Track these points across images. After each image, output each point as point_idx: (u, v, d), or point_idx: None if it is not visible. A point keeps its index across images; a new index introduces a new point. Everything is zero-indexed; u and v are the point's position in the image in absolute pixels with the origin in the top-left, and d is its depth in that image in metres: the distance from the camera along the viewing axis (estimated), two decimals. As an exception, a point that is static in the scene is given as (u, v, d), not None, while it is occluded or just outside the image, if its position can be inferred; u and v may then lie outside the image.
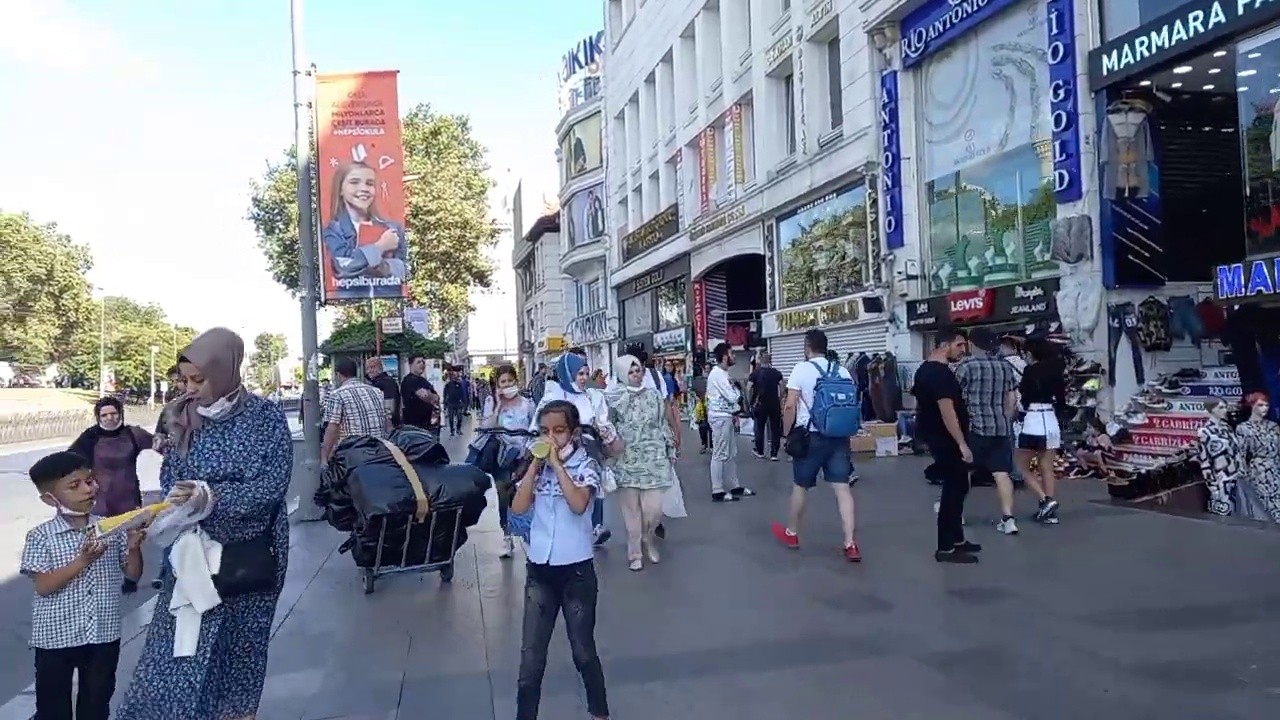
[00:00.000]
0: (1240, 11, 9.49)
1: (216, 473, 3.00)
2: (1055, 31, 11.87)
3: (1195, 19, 10.01)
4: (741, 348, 21.97)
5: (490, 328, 56.43)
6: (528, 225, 49.38)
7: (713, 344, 21.63)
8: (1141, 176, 10.96)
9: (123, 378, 76.82)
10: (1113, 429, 10.83)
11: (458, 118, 40.32)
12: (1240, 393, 9.44)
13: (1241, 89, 10.07)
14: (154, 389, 67.98)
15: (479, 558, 7.22)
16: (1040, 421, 8.08)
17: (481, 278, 41.49)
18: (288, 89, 9.54)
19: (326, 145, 9.94)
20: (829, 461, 6.76)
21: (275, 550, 3.17)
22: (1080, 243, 11.31)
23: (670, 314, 29.48)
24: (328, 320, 39.28)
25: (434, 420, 14.09)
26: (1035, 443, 8.15)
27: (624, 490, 6.55)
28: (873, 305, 16.13)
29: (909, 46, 15.27)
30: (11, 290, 63.27)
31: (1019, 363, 8.83)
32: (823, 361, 6.86)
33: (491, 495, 6.58)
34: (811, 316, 18.72)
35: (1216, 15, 9.77)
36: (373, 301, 18.62)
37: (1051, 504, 7.81)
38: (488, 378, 33.13)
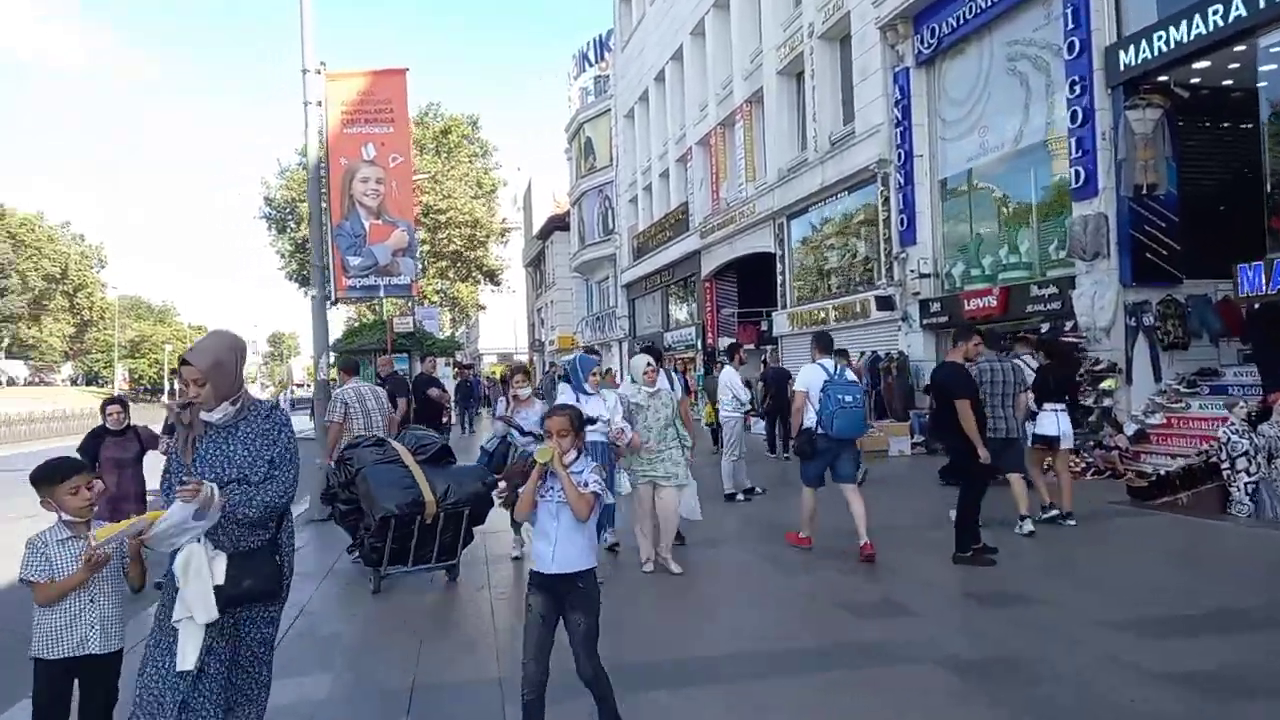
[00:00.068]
0: (1262, 5, 9.33)
1: (220, 479, 2.91)
2: (1071, 26, 11.72)
3: (1215, 13, 9.86)
4: (752, 346, 21.88)
5: (501, 326, 56.47)
6: (538, 224, 49.38)
7: (723, 343, 21.57)
8: (1160, 173, 10.81)
9: (136, 376, 77.29)
10: (1130, 429, 10.70)
11: (468, 117, 40.32)
12: (1260, 392, 9.29)
13: (1262, 84, 9.91)
14: (167, 387, 68.35)
15: (489, 559, 7.18)
16: (1054, 421, 7.98)
17: (492, 276, 41.49)
18: (294, 88, 9.58)
19: (336, 144, 9.92)
20: (836, 463, 6.82)
21: (281, 559, 3.09)
22: (1097, 240, 11.17)
23: (680, 313, 29.39)
24: (340, 319, 39.37)
25: (445, 419, 14.07)
26: (1048, 442, 8.04)
27: (638, 489, 6.43)
28: (885, 304, 16.01)
29: (921, 43, 15.13)
30: (27, 289, 63.71)
31: (1030, 364, 8.72)
32: (829, 363, 6.90)
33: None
34: (823, 315, 18.60)
35: (1237, 9, 9.61)
36: (384, 300, 18.60)
37: (1054, 512, 7.71)
38: (499, 376, 33.15)
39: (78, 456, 3.20)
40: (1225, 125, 12.23)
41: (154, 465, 5.62)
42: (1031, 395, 7.97)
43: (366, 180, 9.92)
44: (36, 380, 71.69)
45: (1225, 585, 5.80)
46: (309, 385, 39.42)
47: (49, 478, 3.05)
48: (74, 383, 77.77)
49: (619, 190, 34.94)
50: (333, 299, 10.42)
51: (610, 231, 36.55)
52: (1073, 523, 7.66)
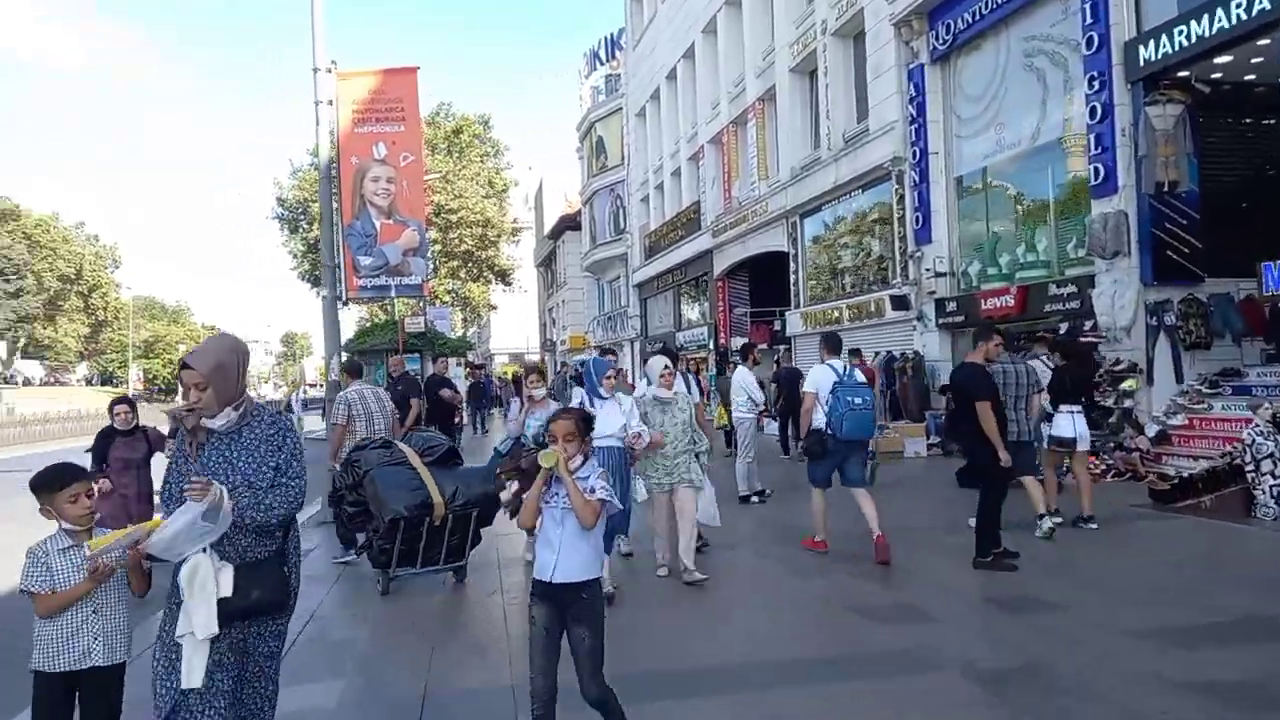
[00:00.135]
0: (1286, -2, 9.16)
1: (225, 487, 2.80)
2: (1089, 21, 11.55)
3: (1238, 6, 9.67)
4: (765, 346, 21.75)
5: (512, 326, 56.53)
6: (549, 223, 49.38)
7: (736, 343, 21.43)
8: (1181, 170, 10.64)
9: (151, 376, 77.78)
10: (1151, 430, 10.52)
11: (480, 116, 40.34)
12: (1285, 393, 9.12)
13: (1286, 79, 9.73)
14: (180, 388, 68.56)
15: (501, 563, 7.11)
16: (1070, 423, 7.84)
17: (503, 276, 41.49)
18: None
19: (347, 143, 9.87)
20: (845, 467, 6.80)
21: (289, 570, 2.98)
22: (1117, 238, 10.99)
23: (692, 312, 29.28)
24: (351, 319, 39.44)
25: (457, 420, 14.02)
26: (1065, 444, 7.91)
27: (654, 497, 6.27)
28: (900, 303, 15.85)
29: (936, 39, 14.97)
30: (42, 290, 64.21)
31: (1047, 364, 8.60)
32: (839, 364, 6.89)
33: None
34: (836, 314, 18.46)
35: (1260, 2, 9.42)
36: (395, 300, 18.58)
37: (1057, 520, 7.47)
38: (510, 376, 33.13)
39: (77, 463, 3.06)
40: (1248, 121, 12.03)
41: (162, 467, 5.58)
42: (1047, 397, 7.86)
43: (378, 179, 9.87)
44: (52, 380, 72.19)
45: (1251, 591, 5.66)
46: (321, 385, 39.57)
47: (48, 485, 2.93)
48: (89, 383, 78.29)
49: (630, 189, 34.85)
50: (344, 299, 10.38)
51: (622, 231, 36.47)
52: (1094, 526, 7.54)
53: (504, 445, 7.02)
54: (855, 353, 13.42)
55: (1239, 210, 11.34)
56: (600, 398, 5.94)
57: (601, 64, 40.52)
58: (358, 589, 6.51)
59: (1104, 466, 10.40)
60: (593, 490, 3.19)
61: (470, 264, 39.23)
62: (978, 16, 13.92)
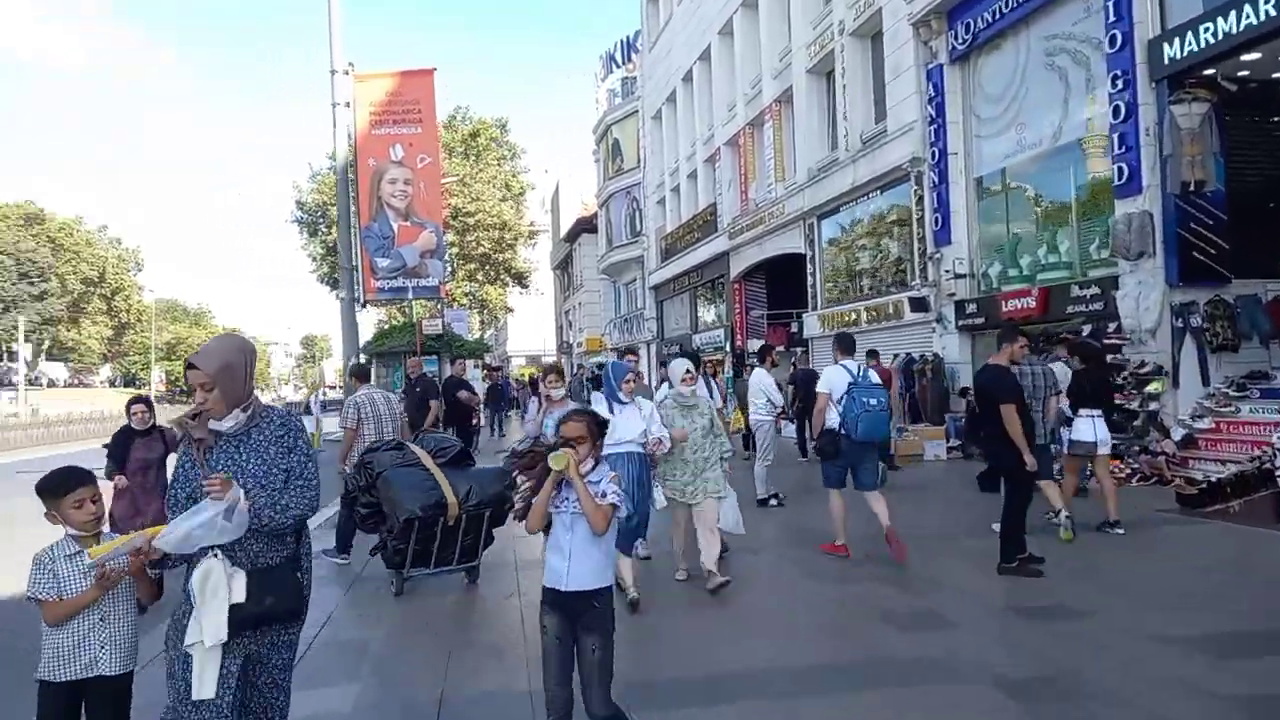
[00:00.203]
0: (1316, -7, 8.99)
1: None
2: (1112, 19, 11.38)
3: (1266, 2, 9.49)
4: (782, 348, 21.63)
5: (529, 329, 56.63)
6: (565, 226, 49.44)
7: (752, 345, 21.32)
8: (1207, 169, 10.45)
9: (173, 378, 78.43)
10: (1177, 434, 10.34)
11: (497, 120, 40.48)
12: (1316, 396, 8.94)
13: (1316, 76, 9.55)
14: (201, 390, 69.01)
15: (519, 565, 7.07)
16: (1091, 427, 7.72)
17: (520, 279, 41.58)
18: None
19: (364, 145, 9.89)
20: (858, 470, 6.78)
21: (302, 576, 2.90)
22: (1141, 239, 10.83)
23: (709, 314, 29.19)
24: (370, 321, 39.63)
25: (474, 421, 14.01)
26: (1086, 449, 7.78)
27: (674, 505, 6.17)
28: (919, 305, 15.71)
29: (956, 38, 14.83)
30: (66, 292, 64.92)
31: (1070, 366, 8.48)
32: (853, 364, 6.86)
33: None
34: (854, 316, 18.33)
35: (1289, -2, 9.26)
36: (413, 302, 18.62)
37: (1066, 516, 7.36)
38: (527, 378, 33.13)
39: (84, 468, 2.98)
40: (1276, 119, 11.83)
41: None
42: (1066, 401, 7.76)
43: (395, 181, 9.88)
44: (76, 382, 73.01)
45: (1285, 600, 5.54)
46: (340, 388, 39.77)
47: (53, 490, 2.86)
48: (112, 384, 79.10)
49: (647, 192, 34.82)
50: (362, 301, 10.39)
51: (638, 233, 36.43)
52: (1121, 531, 7.41)
53: (522, 446, 6.97)
54: (873, 354, 13.31)
55: (1267, 210, 11.14)
56: (620, 402, 5.79)
57: (618, 67, 40.53)
58: (373, 591, 6.49)
59: (1129, 470, 10.25)
60: (604, 495, 3.10)
61: (487, 267, 39.35)
62: (998, 15, 13.77)
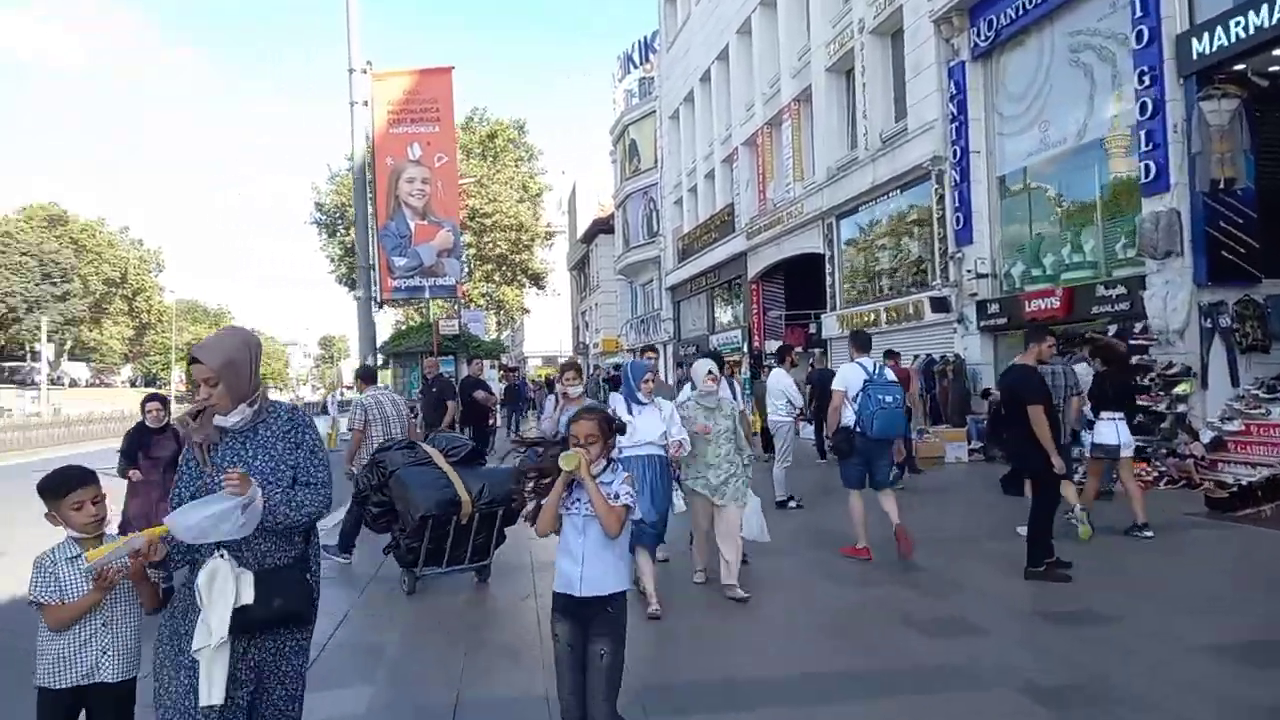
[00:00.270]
0: (1351, -14, 8.78)
1: None
2: (1139, 14, 11.19)
3: (1299, -4, 9.31)
4: (800, 349, 21.48)
5: (545, 329, 56.67)
6: (582, 227, 49.45)
7: (770, 346, 21.18)
8: (1237, 166, 10.24)
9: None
10: (1206, 436, 10.13)
11: (514, 121, 40.54)
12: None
13: (1350, 70, 9.33)
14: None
15: (535, 566, 6.99)
16: (1114, 430, 7.58)
17: (537, 280, 41.61)
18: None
19: (382, 144, 9.86)
20: (872, 468, 6.75)
21: (311, 577, 2.80)
22: (1169, 238, 10.63)
23: (726, 315, 29.07)
24: (388, 321, 39.78)
25: (491, 421, 13.97)
26: (1109, 452, 7.63)
27: (695, 498, 5.98)
28: (940, 305, 15.53)
29: (978, 35, 14.66)
30: (88, 293, 65.56)
31: (1085, 368, 8.35)
32: (868, 362, 6.84)
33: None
34: (873, 317, 18.15)
35: (1323, -9, 9.06)
36: (430, 303, 18.64)
37: (1082, 509, 7.29)
38: (544, 379, 33.09)
39: (86, 468, 2.88)
40: (1308, 115, 11.57)
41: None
42: (1088, 403, 7.65)
43: (413, 180, 9.86)
44: (98, 382, 73.73)
45: (1322, 607, 5.37)
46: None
47: (53, 490, 2.74)
48: (133, 384, 79.88)
49: (664, 192, 34.74)
50: (379, 301, 10.36)
51: (655, 234, 36.36)
52: (1149, 534, 7.26)
53: (531, 435, 6.90)
54: (893, 355, 13.20)
55: (1298, 208, 10.90)
56: (639, 403, 5.62)
57: (635, 67, 40.50)
58: (387, 592, 6.43)
59: (1156, 473, 10.07)
60: (617, 496, 2.97)
61: (504, 268, 39.40)
62: (1021, 11, 13.59)
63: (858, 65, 18.62)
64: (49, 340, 55.08)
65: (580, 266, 52.92)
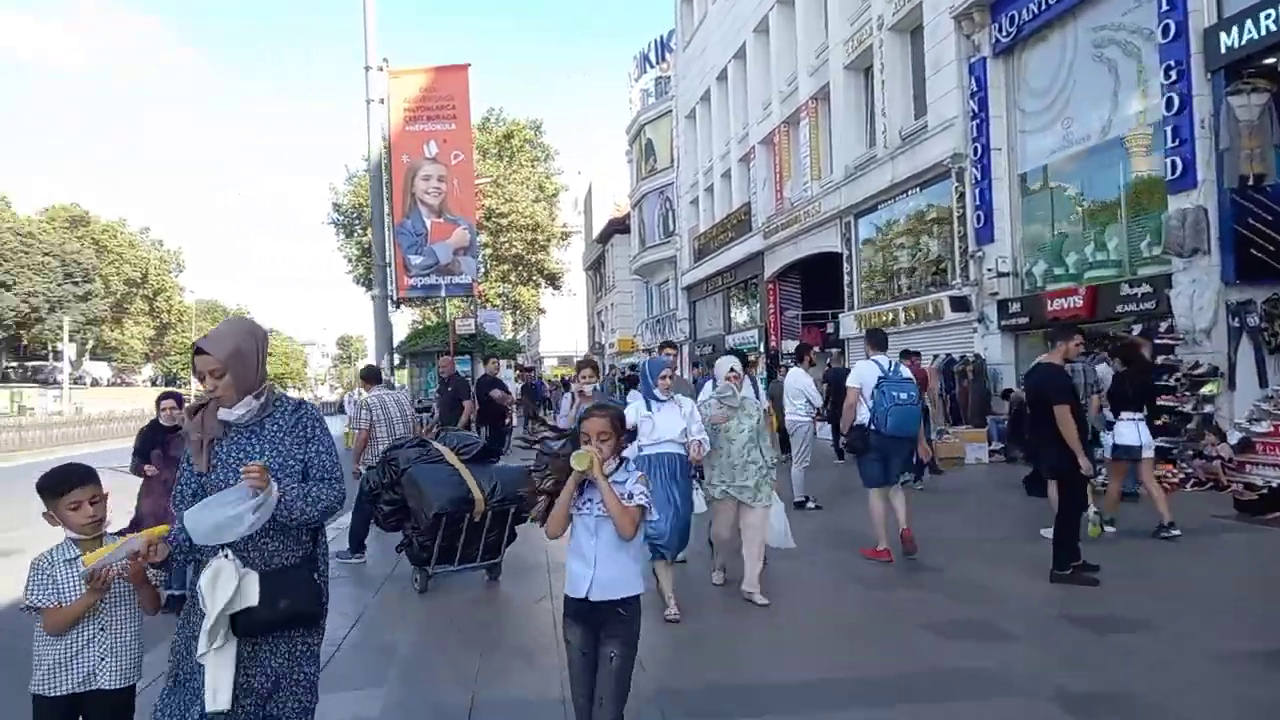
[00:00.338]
0: (1385, -23, 8.57)
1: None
2: (1165, 8, 11.00)
3: (1331, -13, 9.11)
4: (818, 349, 21.31)
5: (561, 329, 56.70)
6: (598, 227, 49.44)
7: (787, 346, 21.05)
8: (1267, 162, 10.04)
9: (211, 377, 79.58)
10: (1234, 437, 9.91)
11: (531, 122, 40.54)
12: (1384, 399, 8.51)
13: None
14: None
15: (550, 566, 6.92)
16: (1134, 431, 7.44)
17: (553, 280, 41.59)
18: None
19: (398, 141, 9.83)
20: (888, 466, 6.71)
21: (320, 577, 2.68)
22: (1196, 235, 10.44)
23: (742, 315, 28.93)
24: (404, 321, 39.89)
25: (508, 421, 13.93)
26: (1130, 453, 7.48)
27: (721, 501, 5.83)
28: (960, 304, 15.35)
29: (1000, 31, 14.48)
30: (109, 293, 66.24)
31: (1107, 368, 8.19)
32: (884, 359, 6.80)
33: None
34: (892, 316, 17.99)
35: (1356, -18, 8.85)
36: (446, 302, 18.63)
37: (1095, 513, 7.17)
38: (560, 378, 33.04)
39: (87, 466, 2.77)
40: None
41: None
42: (1107, 403, 7.55)
43: (429, 178, 9.82)
44: (119, 381, 74.45)
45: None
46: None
47: (51, 489, 2.62)
48: (154, 383, 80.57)
49: (680, 191, 34.65)
50: (395, 299, 10.34)
51: (671, 233, 36.28)
52: (1177, 532, 7.12)
53: (557, 443, 6.82)
54: (910, 354, 13.06)
55: (1330, 205, 10.66)
56: (657, 400, 5.46)
57: (651, 66, 40.45)
58: (402, 591, 6.39)
59: (1183, 475, 9.87)
60: (630, 496, 2.84)
61: (520, 268, 39.40)
62: (1044, 7, 13.42)
63: (876, 62, 18.46)
64: (71, 340, 55.63)
65: (596, 266, 52.91)
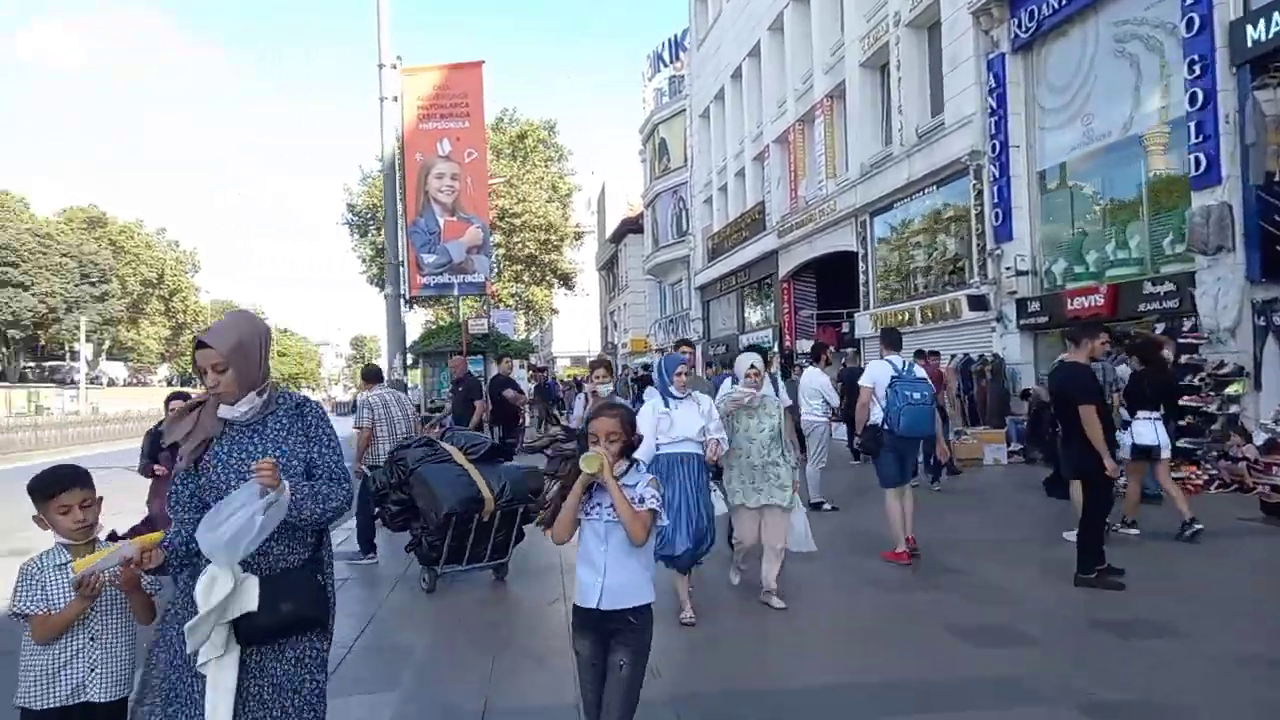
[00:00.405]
0: None
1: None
2: (1190, 1, 10.82)
3: (1361, -22, 8.91)
4: (833, 349, 21.15)
5: (574, 329, 56.66)
6: (611, 227, 49.37)
7: (801, 345, 20.90)
8: (1294, 158, 9.86)
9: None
10: (1259, 438, 9.73)
11: (545, 122, 40.50)
12: None
13: None
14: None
15: (564, 568, 6.84)
16: (1152, 430, 7.30)
17: (566, 280, 41.53)
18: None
19: (411, 139, 9.78)
20: (902, 465, 6.68)
21: (324, 580, 2.56)
22: (1220, 233, 10.25)
23: (756, 314, 28.79)
24: (418, 321, 39.94)
25: (521, 420, 13.87)
26: (1148, 453, 7.33)
27: (740, 513, 5.68)
28: (978, 303, 15.17)
29: (1019, 27, 14.30)
30: (126, 293, 66.67)
31: (1125, 370, 8.06)
32: (897, 359, 6.76)
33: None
34: (908, 316, 17.82)
35: (1387, -27, 8.65)
36: (459, 302, 18.59)
37: (1133, 531, 7.19)
38: (573, 378, 32.98)
39: (79, 469, 2.65)
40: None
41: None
42: (1124, 402, 7.44)
43: (442, 176, 9.77)
44: (135, 381, 75.05)
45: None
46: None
47: (41, 491, 2.50)
48: (169, 383, 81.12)
49: (693, 191, 34.54)
50: (408, 298, 10.29)
51: (684, 233, 36.18)
52: (1199, 526, 6.99)
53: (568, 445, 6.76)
54: (926, 354, 12.92)
55: (1358, 202, 10.45)
56: (674, 397, 5.30)
57: (665, 66, 40.36)
58: (414, 593, 6.32)
59: (1207, 477, 9.69)
60: (641, 500, 2.72)
61: (533, 268, 39.36)
62: (1065, 1, 13.24)
63: (893, 59, 18.30)
64: (88, 340, 56.06)
65: (609, 266, 52.85)
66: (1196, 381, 10.42)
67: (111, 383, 67.13)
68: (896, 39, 18.08)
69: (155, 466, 6.24)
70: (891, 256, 19.37)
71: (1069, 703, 3.85)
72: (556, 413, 24.67)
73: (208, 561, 2.32)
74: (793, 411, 10.93)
